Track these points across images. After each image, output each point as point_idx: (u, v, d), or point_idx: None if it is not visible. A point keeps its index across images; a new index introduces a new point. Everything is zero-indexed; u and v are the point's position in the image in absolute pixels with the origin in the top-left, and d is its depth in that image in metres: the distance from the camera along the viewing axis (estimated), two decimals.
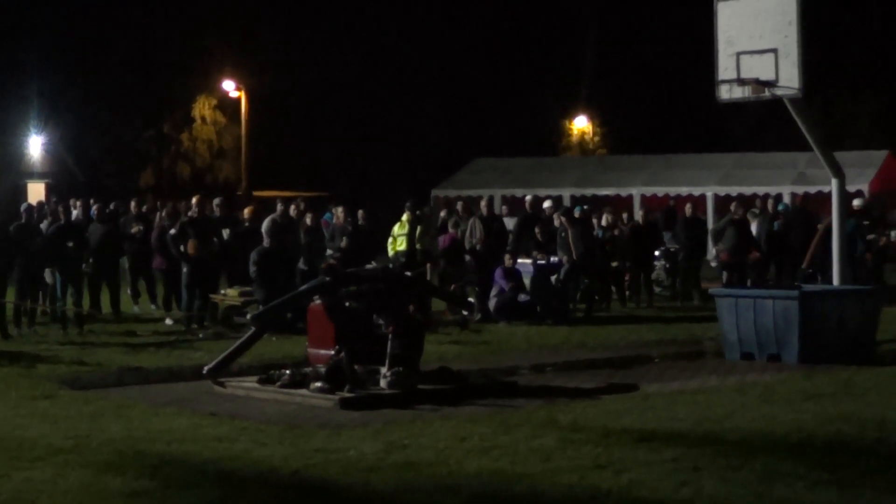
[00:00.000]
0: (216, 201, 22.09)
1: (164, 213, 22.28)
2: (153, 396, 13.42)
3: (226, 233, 20.78)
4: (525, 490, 8.93)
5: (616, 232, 24.02)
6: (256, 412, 12.35)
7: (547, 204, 25.80)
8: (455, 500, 8.68)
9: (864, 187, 33.18)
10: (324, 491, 8.99)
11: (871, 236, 23.93)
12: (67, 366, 15.84)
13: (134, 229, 22.27)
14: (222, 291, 20.37)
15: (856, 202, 25.53)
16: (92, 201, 22.85)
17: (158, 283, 22.28)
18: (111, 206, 25.38)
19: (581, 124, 61.96)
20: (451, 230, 22.83)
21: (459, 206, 23.96)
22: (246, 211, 22.00)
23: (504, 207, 30.04)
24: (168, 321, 20.66)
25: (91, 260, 20.21)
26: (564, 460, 9.80)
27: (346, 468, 9.66)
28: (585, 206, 26.50)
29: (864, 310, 16.44)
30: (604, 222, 24.46)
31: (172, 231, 20.08)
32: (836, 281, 18.22)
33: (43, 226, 21.40)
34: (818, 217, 25.28)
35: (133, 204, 24.26)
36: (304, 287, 15.53)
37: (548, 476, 9.28)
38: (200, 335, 19.04)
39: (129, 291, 22.86)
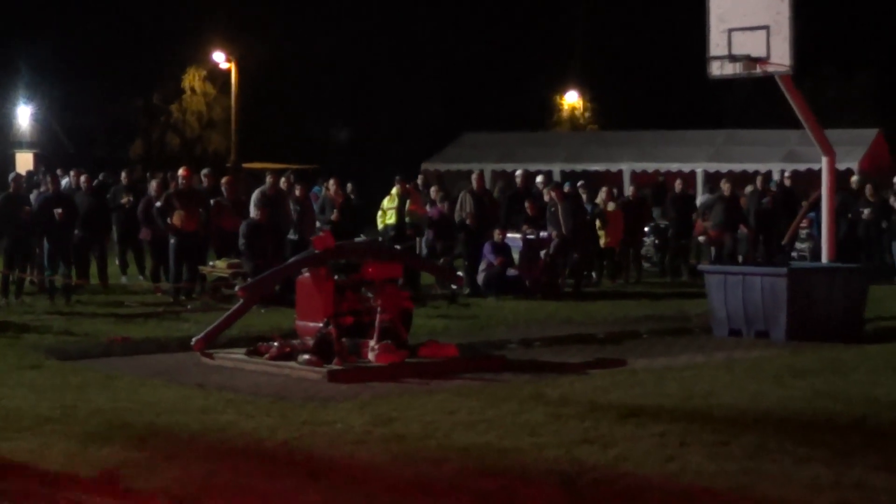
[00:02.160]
0: (203, 172, 22.01)
1: (154, 184, 22.20)
2: (140, 367, 13.41)
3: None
4: (512, 464, 8.94)
5: (609, 207, 23.95)
6: (244, 384, 12.34)
7: (539, 179, 25.78)
8: (442, 473, 8.69)
9: (854, 165, 33.18)
10: (310, 463, 8.98)
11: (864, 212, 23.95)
12: (55, 336, 15.80)
13: (123, 200, 22.20)
14: (211, 263, 20.34)
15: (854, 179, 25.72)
16: (76, 172, 22.70)
17: (147, 255, 22.24)
18: (100, 177, 25.27)
19: (571, 99, 61.86)
20: (439, 204, 22.80)
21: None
22: (223, 181, 21.89)
23: (499, 185, 29.85)
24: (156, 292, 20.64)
25: (77, 231, 20.15)
26: (551, 435, 9.81)
27: (334, 441, 9.66)
28: (581, 182, 26.43)
29: (852, 287, 16.47)
30: (598, 199, 24.38)
31: (158, 203, 20.02)
32: (824, 258, 18.26)
33: (32, 196, 21.31)
34: (805, 195, 25.30)
35: (124, 174, 24.18)
36: (292, 259, 15.50)
37: (535, 450, 9.29)
38: (188, 306, 19.01)
39: (117, 262, 22.82)
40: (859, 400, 11.42)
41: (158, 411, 10.79)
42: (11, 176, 20.35)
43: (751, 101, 52.93)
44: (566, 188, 23.51)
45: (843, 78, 54.88)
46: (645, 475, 8.62)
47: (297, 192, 21.94)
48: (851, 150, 33.81)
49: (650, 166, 37.33)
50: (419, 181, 26.73)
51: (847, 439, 9.69)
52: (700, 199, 29.86)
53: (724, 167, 34.97)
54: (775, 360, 14.01)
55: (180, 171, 20.73)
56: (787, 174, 27.89)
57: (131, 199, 22.20)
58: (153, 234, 20.74)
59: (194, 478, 8.56)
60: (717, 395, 11.66)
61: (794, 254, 25.06)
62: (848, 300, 16.29)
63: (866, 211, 23.88)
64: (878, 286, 19.86)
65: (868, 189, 24.45)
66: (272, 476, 8.63)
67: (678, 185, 25.94)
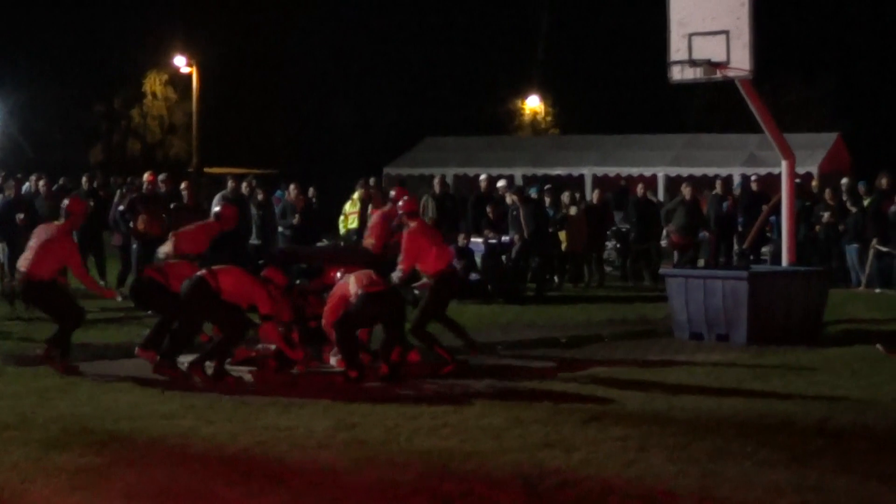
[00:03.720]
0: (161, 177, 21.91)
1: (123, 191, 22.07)
2: (101, 373, 13.32)
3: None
4: (474, 468, 8.94)
5: (571, 211, 23.99)
6: (205, 389, 12.28)
7: (501, 183, 25.80)
8: (404, 477, 8.68)
9: (814, 169, 33.36)
10: (272, 468, 8.96)
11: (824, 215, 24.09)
12: (14, 342, 15.70)
13: None
14: None
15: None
16: (36, 177, 22.56)
17: (110, 259, 22.09)
18: (60, 182, 25.13)
19: (533, 104, 61.98)
20: None
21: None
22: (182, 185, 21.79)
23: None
24: (118, 297, 20.50)
25: None
26: (514, 439, 9.82)
27: (295, 445, 9.63)
28: (548, 186, 26.46)
29: (812, 291, 16.56)
30: (565, 201, 24.42)
31: (121, 207, 19.91)
32: (784, 262, 18.36)
33: None
34: (768, 199, 25.43)
35: (84, 179, 24.05)
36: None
37: (497, 455, 9.30)
38: (149, 311, 18.87)
39: None
40: (819, 403, 11.49)
41: (118, 417, 10.73)
42: None
43: (711, 106, 53.15)
44: (533, 194, 23.53)
45: (802, 82, 55.16)
46: (606, 478, 8.65)
47: (260, 197, 21.88)
48: (811, 154, 33.99)
49: (612, 170, 37.41)
50: (373, 184, 26.65)
51: (807, 442, 9.74)
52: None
53: (686, 171, 35.09)
54: (736, 364, 14.08)
55: (145, 176, 20.62)
56: (752, 178, 28.02)
57: (92, 204, 22.06)
58: (124, 240, 20.63)
59: (154, 483, 8.52)
60: (679, 398, 11.70)
61: (761, 256, 25.13)
62: (808, 303, 16.39)
63: (825, 214, 24.01)
64: (837, 289, 20.02)
65: (827, 193, 24.61)
66: (233, 481, 8.59)
67: (640, 189, 26.03)
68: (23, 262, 14.05)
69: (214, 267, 13.21)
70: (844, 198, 24.21)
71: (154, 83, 56.22)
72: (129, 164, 51.45)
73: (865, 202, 23.97)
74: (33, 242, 14.08)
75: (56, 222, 14.49)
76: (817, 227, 24.13)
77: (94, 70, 54.67)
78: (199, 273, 13.04)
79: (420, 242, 13.83)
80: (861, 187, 24.67)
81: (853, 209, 23.66)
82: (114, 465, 9.00)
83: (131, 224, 19.55)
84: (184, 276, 13.18)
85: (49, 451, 9.38)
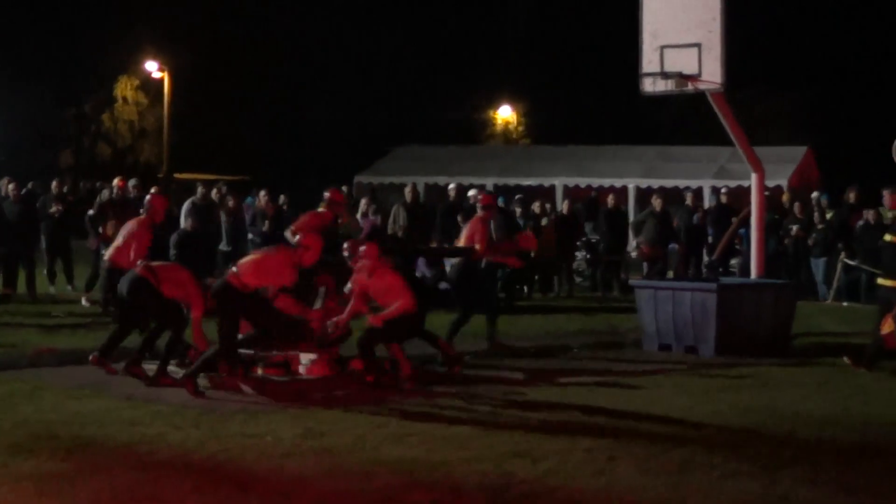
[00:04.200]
0: (131, 183, 21.84)
1: (105, 194, 21.95)
2: (68, 379, 13.24)
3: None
4: (442, 477, 8.93)
5: (543, 222, 24.02)
6: (172, 396, 12.23)
7: (472, 192, 25.79)
8: (372, 486, 8.66)
9: (784, 182, 33.52)
10: (239, 476, 8.92)
11: (793, 228, 24.20)
12: None
13: (53, 209, 21.98)
14: None
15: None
16: (5, 181, 22.42)
17: (79, 264, 22.00)
18: (29, 186, 25.00)
19: (505, 114, 62.07)
20: (371, 216, 22.76)
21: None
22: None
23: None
24: (84, 302, 20.42)
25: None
26: (481, 448, 9.81)
27: (263, 453, 9.60)
28: (519, 196, 26.47)
29: (781, 303, 16.63)
30: (536, 211, 24.44)
31: (90, 212, 19.83)
32: (753, 274, 18.43)
33: None
34: (737, 212, 25.53)
35: (55, 184, 23.95)
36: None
37: (465, 464, 9.29)
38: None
39: (45, 272, 22.58)
40: (787, 414, 11.53)
41: (85, 423, 10.67)
42: None
43: (682, 118, 53.35)
44: (501, 203, 23.53)
45: (773, 95, 55.48)
46: (574, 489, 8.65)
47: (230, 203, 21.83)
48: (781, 168, 34.15)
49: (583, 181, 37.48)
50: (345, 191, 26.58)
51: (774, 453, 9.77)
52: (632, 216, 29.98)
53: (656, 183, 35.18)
54: (704, 375, 14.11)
55: (116, 181, 20.55)
56: (723, 191, 28.12)
57: (61, 208, 21.99)
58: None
59: (120, 490, 8.47)
60: (647, 409, 11.71)
61: (730, 269, 25.20)
62: (776, 316, 16.45)
63: (794, 228, 24.12)
64: (805, 302, 20.11)
65: (797, 206, 24.72)
66: (200, 489, 8.55)
67: (610, 200, 26.08)
68: (109, 251, 15.25)
69: (154, 263, 13.51)
70: (813, 211, 24.33)
71: (125, 88, 56.02)
72: (99, 169, 51.22)
73: (829, 215, 24.11)
74: (120, 234, 15.02)
75: (140, 216, 15.20)
76: (786, 241, 24.25)
77: (66, 74, 54.42)
78: (138, 270, 13.25)
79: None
80: (824, 200, 24.77)
81: (819, 225, 23.80)
82: (80, 471, 8.95)
83: (100, 229, 19.46)
84: (176, 279, 13.20)
85: (15, 457, 9.32)
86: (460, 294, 16.03)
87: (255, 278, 12.70)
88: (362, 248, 13.51)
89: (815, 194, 25.75)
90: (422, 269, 21.11)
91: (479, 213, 16.45)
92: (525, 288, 23.80)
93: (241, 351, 13.30)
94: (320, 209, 15.96)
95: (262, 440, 10.06)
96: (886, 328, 14.34)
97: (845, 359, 14.94)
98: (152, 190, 21.24)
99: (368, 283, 13.33)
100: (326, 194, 15.99)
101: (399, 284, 13.25)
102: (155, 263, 13.58)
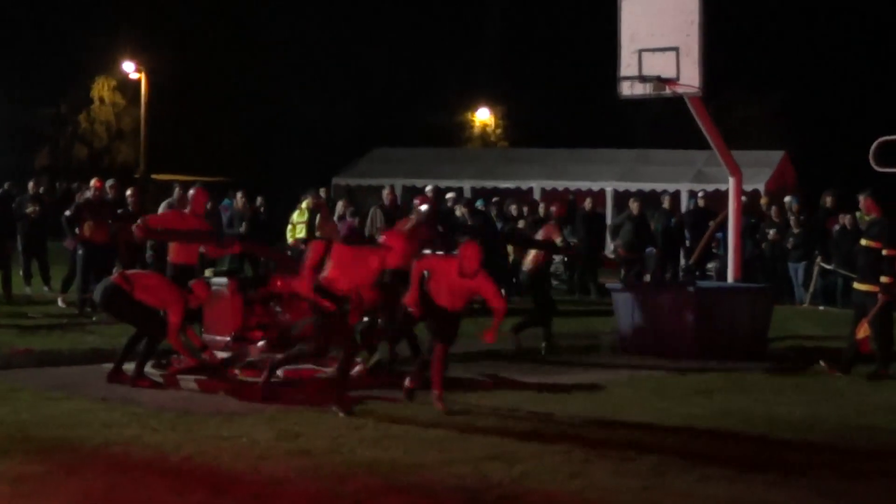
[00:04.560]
0: (108, 183, 21.75)
1: (87, 194, 21.80)
2: (43, 380, 13.19)
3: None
4: (418, 480, 8.93)
5: (521, 224, 24.04)
6: (149, 398, 12.20)
7: (449, 195, 25.83)
8: (348, 488, 8.65)
9: (761, 186, 33.63)
10: (215, 478, 8.90)
11: (770, 232, 24.27)
12: None
13: (29, 209, 21.91)
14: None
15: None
16: None
17: (56, 265, 21.91)
18: (4, 186, 24.91)
19: (483, 116, 62.08)
20: (349, 218, 22.73)
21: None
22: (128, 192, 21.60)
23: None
24: (60, 303, 20.35)
25: None
26: (458, 451, 9.81)
27: (239, 455, 9.58)
28: (495, 199, 26.50)
29: (758, 307, 16.67)
30: (514, 213, 24.48)
31: (67, 212, 19.76)
32: (730, 278, 18.48)
33: None
34: (714, 215, 25.60)
35: (31, 184, 23.86)
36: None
37: (441, 466, 9.29)
38: (94, 318, 18.76)
39: (21, 273, 22.49)
40: (762, 418, 11.57)
41: (60, 425, 10.64)
42: None
43: (660, 122, 53.44)
44: (480, 206, 23.56)
45: (750, 100, 55.63)
46: (550, 491, 8.66)
47: (208, 205, 21.74)
48: (758, 172, 34.25)
49: (560, 184, 37.52)
50: (322, 193, 26.57)
51: (749, 457, 9.81)
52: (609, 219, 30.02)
53: (634, 186, 35.25)
54: (680, 379, 14.15)
55: (92, 182, 20.47)
56: (700, 194, 28.19)
57: (37, 208, 21.91)
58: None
59: (96, 492, 8.45)
60: (622, 412, 11.74)
61: (707, 272, 25.27)
62: (753, 320, 16.50)
63: (771, 231, 24.21)
64: (781, 306, 20.17)
65: (774, 210, 24.80)
66: (176, 491, 8.53)
67: (588, 203, 26.12)
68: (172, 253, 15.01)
69: (129, 272, 13.63)
70: (790, 215, 24.42)
71: (102, 88, 55.79)
72: (76, 170, 50.98)
73: (800, 218, 24.18)
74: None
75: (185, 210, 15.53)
76: (763, 244, 24.34)
77: (42, 74, 54.19)
78: (112, 278, 13.31)
79: None
80: (794, 204, 24.85)
81: (796, 230, 23.89)
82: (55, 473, 8.92)
83: (76, 230, 19.40)
84: (151, 285, 13.18)
85: None
86: (538, 294, 16.75)
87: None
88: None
89: (787, 198, 25.83)
90: None
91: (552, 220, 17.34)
92: (503, 290, 23.77)
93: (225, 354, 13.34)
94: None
95: (238, 442, 10.04)
96: (862, 332, 14.42)
97: (821, 362, 15.00)
98: (191, 190, 20.36)
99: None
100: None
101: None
102: (130, 272, 13.61)
